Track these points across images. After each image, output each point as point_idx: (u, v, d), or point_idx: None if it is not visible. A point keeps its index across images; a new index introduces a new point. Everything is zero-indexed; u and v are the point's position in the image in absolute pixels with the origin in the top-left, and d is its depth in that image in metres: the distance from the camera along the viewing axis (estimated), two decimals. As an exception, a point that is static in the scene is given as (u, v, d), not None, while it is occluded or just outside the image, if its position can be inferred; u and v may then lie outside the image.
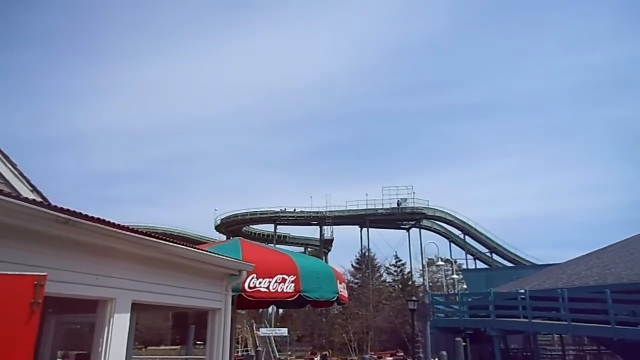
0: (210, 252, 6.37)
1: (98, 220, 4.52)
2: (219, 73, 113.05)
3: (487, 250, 61.88)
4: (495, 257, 61.41)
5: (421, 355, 22.49)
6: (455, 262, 57.99)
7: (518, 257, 59.52)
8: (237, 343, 43.66)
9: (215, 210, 65.37)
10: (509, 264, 58.20)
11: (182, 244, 5.75)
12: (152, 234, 5.22)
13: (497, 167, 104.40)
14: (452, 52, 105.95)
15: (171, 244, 5.47)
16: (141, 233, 5.07)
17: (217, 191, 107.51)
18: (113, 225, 4.67)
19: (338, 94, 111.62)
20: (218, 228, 65.36)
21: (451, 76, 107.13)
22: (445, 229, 63.00)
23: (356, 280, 58.58)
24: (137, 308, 5.35)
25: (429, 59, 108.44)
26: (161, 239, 5.32)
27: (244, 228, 65.85)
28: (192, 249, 5.93)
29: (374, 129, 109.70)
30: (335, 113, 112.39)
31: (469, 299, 26.12)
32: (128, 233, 4.82)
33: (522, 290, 21.99)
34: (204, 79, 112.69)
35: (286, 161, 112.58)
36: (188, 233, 68.41)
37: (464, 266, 60.63)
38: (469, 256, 62.40)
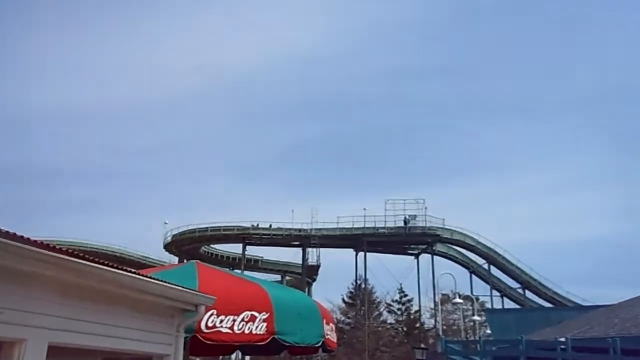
0: (156, 279, 6.27)
1: (3, 234, 4.40)
2: (174, 48, 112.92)
3: (518, 286, 62.36)
4: (528, 294, 61.90)
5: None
6: (477, 299, 58.29)
7: (557, 295, 60.05)
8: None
9: (165, 223, 64.84)
10: (546, 304, 58.65)
11: (120, 268, 5.64)
12: (79, 254, 5.11)
13: (534, 180, 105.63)
14: (482, 27, 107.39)
15: (104, 267, 5.36)
16: (64, 253, 4.95)
17: (168, 199, 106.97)
18: (24, 240, 4.55)
19: (332, 77, 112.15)
20: (168, 247, 64.98)
21: (478, 60, 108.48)
22: (465, 256, 63.36)
23: (348, 320, 58.52)
24: (55, 353, 5.22)
25: (451, 36, 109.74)
26: (91, 261, 5.21)
27: (203, 248, 65.55)
28: (132, 275, 5.82)
29: (376, 124, 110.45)
30: (327, 101, 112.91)
31: (494, 348, 26.18)
32: (45, 252, 4.70)
33: (563, 339, 22.09)
34: (158, 56, 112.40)
35: (260, 163, 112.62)
36: (128, 253, 67.91)
37: (488, 305, 61.00)
38: (494, 292, 62.84)
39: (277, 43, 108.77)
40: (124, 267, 5.87)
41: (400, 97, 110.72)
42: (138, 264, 60.83)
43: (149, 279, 6.11)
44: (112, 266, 5.53)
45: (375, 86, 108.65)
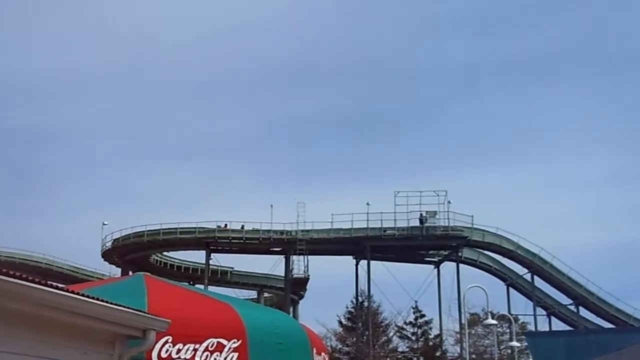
0: (90, 296, 6.25)
1: None
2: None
3: (569, 302, 62.86)
4: (583, 312, 62.42)
5: None
6: (517, 320, 58.66)
7: (621, 312, 60.59)
8: None
9: (104, 224, 64.47)
10: (606, 324, 59.12)
11: (43, 283, 5.62)
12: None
13: (594, 166, 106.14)
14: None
15: (18, 281, 5.33)
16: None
17: (107, 194, 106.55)
18: None
19: (322, 32, 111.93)
20: (108, 255, 64.88)
21: (527, 7, 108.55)
22: (501, 264, 63.68)
23: (347, 349, 58.82)
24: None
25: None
26: (2, 272, 5.18)
27: (154, 257, 65.53)
28: (58, 291, 5.80)
29: (382, 94, 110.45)
30: (315, 68, 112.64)
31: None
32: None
33: (628, 370, 22.31)
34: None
35: (229, 144, 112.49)
36: (55, 263, 67.75)
37: (531, 327, 61.40)
38: (539, 311, 63.26)
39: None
40: (48, 282, 5.84)
41: (417, 58, 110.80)
42: (68, 277, 60.70)
43: (80, 297, 6.09)
44: (30, 280, 5.50)
45: (387, 46, 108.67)
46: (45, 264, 66.91)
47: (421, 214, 59.32)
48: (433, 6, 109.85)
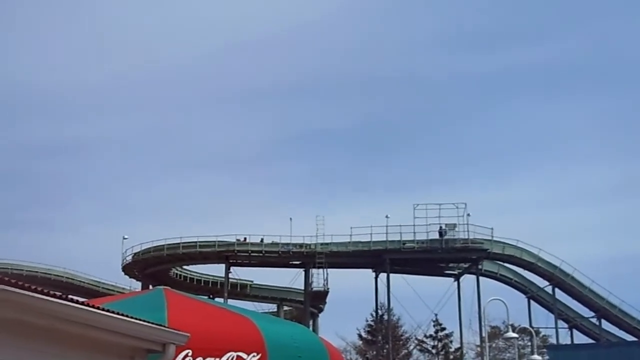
0: (110, 310, 6.27)
1: None
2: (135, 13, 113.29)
3: (592, 314, 62.28)
4: (605, 325, 61.80)
5: None
6: (538, 333, 58.20)
7: (645, 326, 59.97)
8: None
9: (125, 239, 64.82)
10: (629, 337, 58.46)
11: (63, 297, 5.65)
12: (5, 279, 5.11)
13: (612, 175, 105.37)
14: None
15: (39, 295, 5.36)
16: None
17: (127, 207, 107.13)
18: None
19: (339, 47, 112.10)
20: (128, 269, 65.19)
21: (544, 19, 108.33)
22: (522, 277, 63.25)
23: (367, 363, 58.62)
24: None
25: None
26: (22, 287, 5.21)
27: (174, 270, 65.71)
28: (78, 305, 5.83)
29: (401, 108, 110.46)
30: (336, 78, 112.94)
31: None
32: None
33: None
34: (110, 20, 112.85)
35: (249, 158, 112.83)
36: (77, 277, 68.18)
37: (552, 340, 60.92)
38: (561, 323, 62.73)
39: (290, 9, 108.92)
40: (69, 296, 5.87)
41: (435, 71, 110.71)
42: (89, 291, 61.14)
43: (100, 311, 6.12)
44: (52, 295, 5.53)
45: (410, 60, 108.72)
46: (67, 278, 67.35)
47: (440, 227, 59.10)
48: (448, 21, 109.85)
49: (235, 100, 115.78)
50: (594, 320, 62.38)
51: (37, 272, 65.37)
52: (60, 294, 5.73)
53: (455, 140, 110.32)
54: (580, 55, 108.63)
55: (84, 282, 67.63)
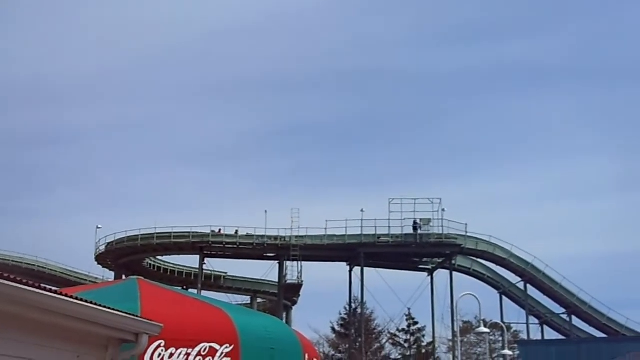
0: (83, 300, 6.26)
1: None
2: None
3: (562, 311, 62.92)
4: (575, 321, 62.45)
5: None
6: (509, 328, 58.69)
7: (613, 322, 60.65)
8: None
9: (98, 228, 64.36)
10: (599, 334, 59.21)
11: (35, 286, 5.63)
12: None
13: (586, 174, 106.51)
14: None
15: (16, 285, 5.35)
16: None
17: (101, 196, 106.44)
18: None
19: (321, 40, 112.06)
20: (101, 259, 64.78)
21: (525, 12, 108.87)
22: (494, 272, 63.71)
23: (339, 355, 58.81)
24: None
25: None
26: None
27: (147, 261, 65.39)
28: (51, 294, 5.82)
29: (379, 101, 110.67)
30: (317, 70, 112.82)
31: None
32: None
33: (620, 379, 22.35)
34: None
35: (224, 149, 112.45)
36: (48, 266, 67.62)
37: (523, 335, 61.43)
38: (532, 319, 63.29)
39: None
40: (41, 285, 5.85)
41: (413, 66, 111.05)
42: (61, 281, 60.62)
43: (74, 300, 6.11)
44: (24, 282, 5.51)
45: (390, 54, 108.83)
46: (38, 266, 66.78)
47: (415, 221, 59.31)
48: (431, 15, 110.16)
49: (211, 92, 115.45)
50: (564, 316, 62.99)
51: (7, 260, 64.66)
52: (32, 282, 5.71)
53: (433, 135, 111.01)
54: (566, 49, 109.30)
55: (56, 271, 67.11)
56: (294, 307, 67.45)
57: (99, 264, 65.40)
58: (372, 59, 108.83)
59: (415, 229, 59.23)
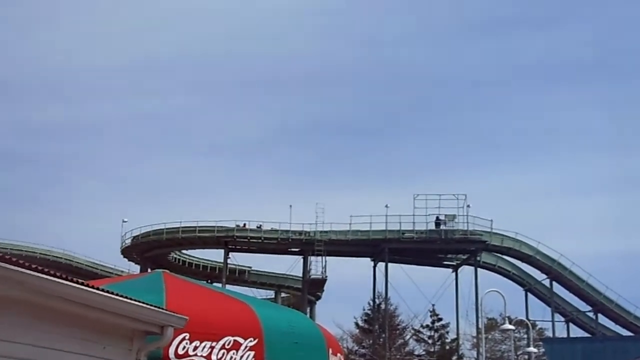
0: (109, 292, 6.31)
1: None
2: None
3: (588, 308, 62.42)
4: (601, 319, 61.96)
5: None
6: (535, 325, 58.29)
7: (640, 320, 60.12)
8: None
9: (124, 222, 64.89)
10: (625, 332, 58.65)
11: (62, 277, 5.67)
12: (5, 257, 5.13)
13: (617, 167, 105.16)
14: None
15: (39, 274, 5.39)
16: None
17: (127, 190, 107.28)
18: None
19: (347, 35, 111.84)
20: (127, 252, 65.29)
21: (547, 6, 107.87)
22: (520, 269, 63.32)
23: (363, 351, 58.81)
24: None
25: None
26: (22, 266, 5.23)
27: (173, 254, 65.80)
28: (77, 285, 5.86)
29: (404, 97, 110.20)
30: (340, 68, 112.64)
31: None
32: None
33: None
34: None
35: (249, 145, 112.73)
36: (76, 259, 68.30)
37: (549, 333, 61.05)
38: (557, 317, 62.90)
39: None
40: (68, 276, 5.89)
41: (442, 61, 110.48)
42: (87, 273, 61.21)
43: (99, 292, 6.15)
44: (51, 274, 5.55)
45: (411, 48, 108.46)
46: (65, 259, 67.46)
47: (437, 217, 59.12)
48: (449, 9, 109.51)
49: (238, 86, 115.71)
50: (590, 314, 62.52)
51: (35, 252, 65.42)
52: (59, 274, 5.75)
53: (458, 130, 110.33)
54: (583, 45, 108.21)
55: (82, 264, 67.76)
56: (317, 302, 67.54)
57: (124, 257, 65.97)
58: (397, 51, 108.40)
59: (437, 224, 59.01)
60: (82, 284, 6.03)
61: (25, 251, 64.46)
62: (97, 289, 6.21)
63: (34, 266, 5.38)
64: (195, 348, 7.50)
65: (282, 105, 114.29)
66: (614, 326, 61.34)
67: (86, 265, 67.95)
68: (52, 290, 5.56)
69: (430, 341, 60.29)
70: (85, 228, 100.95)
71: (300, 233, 60.57)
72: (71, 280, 5.83)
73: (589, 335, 59.39)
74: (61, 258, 67.47)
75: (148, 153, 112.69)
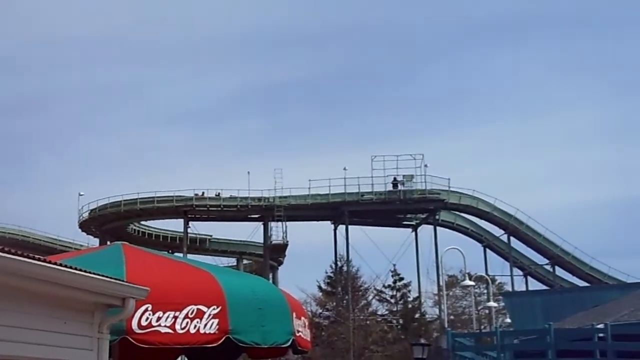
0: (68, 266, 6.26)
1: None
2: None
3: (545, 262, 63.83)
4: (558, 271, 63.42)
5: None
6: (494, 280, 59.54)
7: (596, 271, 61.64)
8: None
9: (80, 195, 64.23)
10: (581, 283, 60.19)
11: (19, 254, 5.61)
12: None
13: (569, 123, 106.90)
14: None
15: (1, 254, 5.33)
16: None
17: (82, 162, 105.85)
18: None
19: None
20: (85, 226, 64.73)
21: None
22: (478, 226, 64.36)
23: (327, 313, 59.26)
24: None
25: None
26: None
27: (132, 226, 65.41)
28: (35, 261, 5.80)
29: (359, 58, 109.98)
30: (292, 30, 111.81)
31: (515, 341, 26.89)
32: None
33: (602, 325, 22.72)
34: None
35: (205, 112, 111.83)
36: (33, 235, 67.46)
37: (508, 287, 62.36)
38: (516, 271, 64.20)
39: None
40: (26, 253, 5.84)
41: (390, 21, 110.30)
42: (46, 249, 60.58)
43: (58, 267, 6.10)
44: (5, 250, 5.50)
45: (367, 9, 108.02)
46: (22, 236, 66.69)
47: (395, 178, 59.61)
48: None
49: (190, 53, 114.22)
50: (548, 267, 63.95)
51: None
52: (15, 250, 5.70)
53: (414, 91, 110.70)
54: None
55: (40, 240, 67.08)
56: (280, 268, 67.94)
57: (82, 231, 65.47)
58: (352, 14, 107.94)
59: (395, 185, 59.52)
60: (39, 259, 5.97)
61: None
62: (55, 264, 6.15)
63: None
64: (159, 319, 7.48)
65: (237, 71, 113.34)
66: (571, 278, 62.89)
67: (44, 240, 67.26)
68: (9, 268, 5.50)
69: (392, 301, 61.03)
70: (41, 204, 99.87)
71: (259, 199, 60.63)
72: (27, 257, 5.78)
73: (547, 288, 60.74)
74: (17, 235, 66.66)
75: (102, 125, 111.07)
